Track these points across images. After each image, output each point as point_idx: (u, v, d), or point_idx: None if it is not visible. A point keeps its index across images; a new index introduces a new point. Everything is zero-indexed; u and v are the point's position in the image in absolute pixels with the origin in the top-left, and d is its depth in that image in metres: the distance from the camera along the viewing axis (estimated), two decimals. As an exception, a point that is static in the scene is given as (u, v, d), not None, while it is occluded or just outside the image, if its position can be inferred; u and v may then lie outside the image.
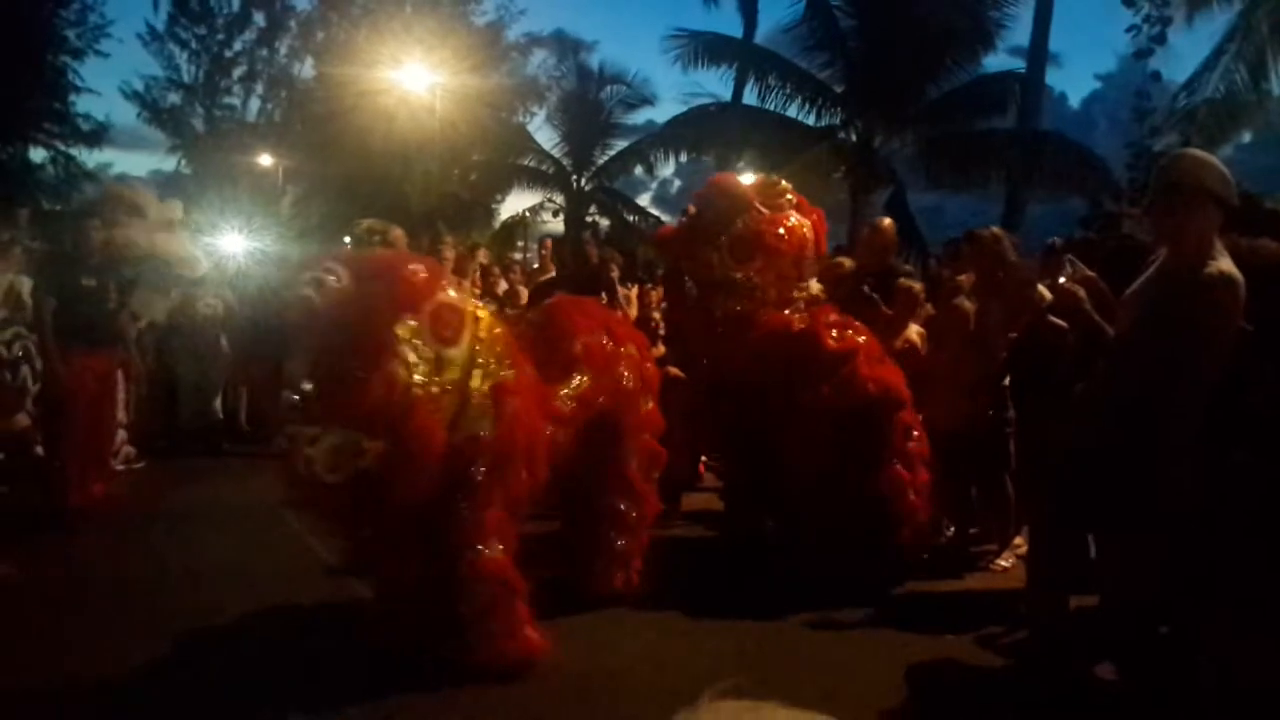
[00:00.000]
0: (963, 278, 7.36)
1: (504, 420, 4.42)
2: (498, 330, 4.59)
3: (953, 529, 7.12)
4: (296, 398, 4.04)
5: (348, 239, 13.67)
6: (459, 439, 4.27)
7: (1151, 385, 4.05)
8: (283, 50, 30.15)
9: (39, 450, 7.75)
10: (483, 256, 11.63)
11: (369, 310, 4.09)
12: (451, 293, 4.43)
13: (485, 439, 4.37)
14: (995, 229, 7.27)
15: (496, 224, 31.12)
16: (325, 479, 3.99)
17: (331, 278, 4.05)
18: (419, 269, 4.36)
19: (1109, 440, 4.22)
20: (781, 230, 6.47)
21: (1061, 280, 5.73)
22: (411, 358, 4.11)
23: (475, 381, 4.35)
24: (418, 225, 19.80)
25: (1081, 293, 4.55)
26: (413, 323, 4.16)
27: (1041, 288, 6.28)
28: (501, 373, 4.47)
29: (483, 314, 4.58)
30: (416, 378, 4.12)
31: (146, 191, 10.02)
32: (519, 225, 30.83)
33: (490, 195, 31.06)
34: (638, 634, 5.18)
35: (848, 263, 8.44)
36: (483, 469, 4.39)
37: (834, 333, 6.19)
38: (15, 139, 25.88)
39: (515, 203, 31.71)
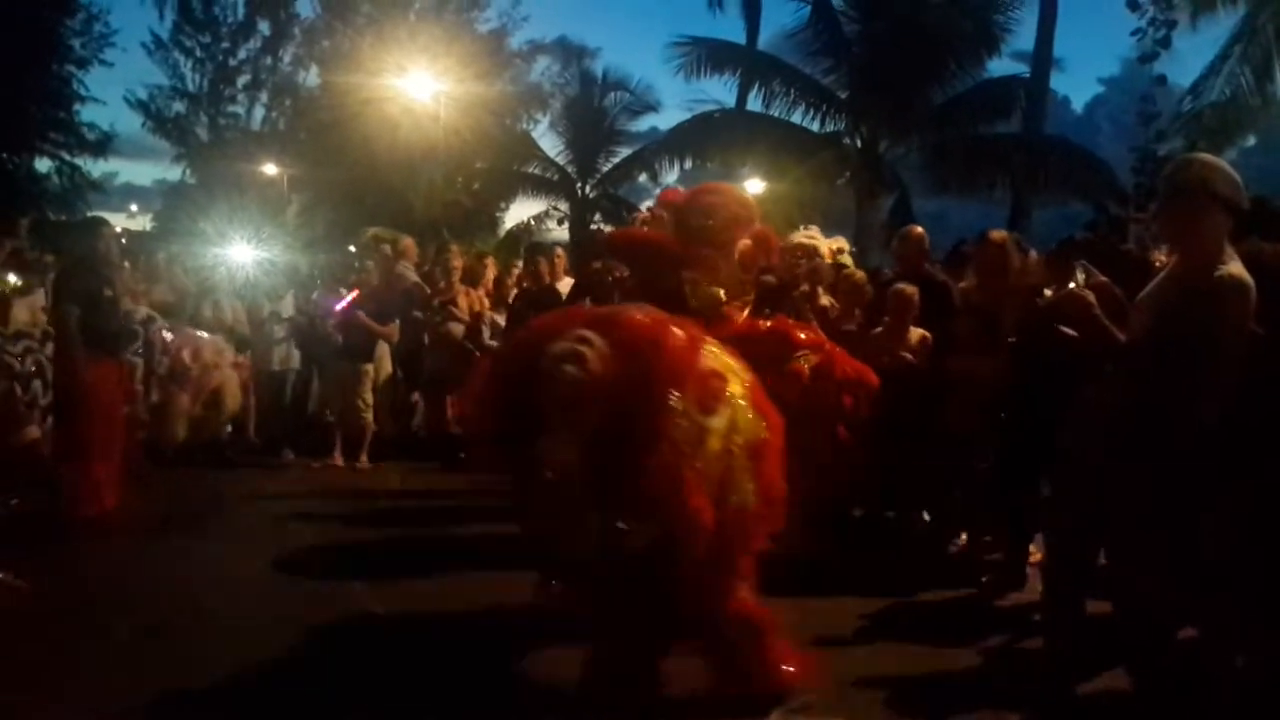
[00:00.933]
0: (964, 284, 7.35)
1: (763, 480, 4.12)
2: (747, 383, 4.25)
3: (964, 538, 7.04)
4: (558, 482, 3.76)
5: (353, 247, 13.67)
6: (726, 513, 3.96)
7: (1164, 391, 4.03)
8: (287, 58, 30.40)
9: (49, 462, 7.74)
10: (490, 265, 11.61)
11: (638, 386, 3.77)
12: (710, 352, 4.13)
13: (750, 508, 4.07)
14: (1002, 232, 7.21)
15: (501, 232, 31.12)
16: (595, 564, 3.83)
17: (590, 351, 3.73)
18: (681, 335, 4.00)
19: (1119, 445, 4.18)
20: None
21: (1072, 286, 5.67)
22: (680, 434, 3.79)
23: (735, 448, 4.02)
24: (423, 234, 19.83)
25: (1092, 298, 4.49)
26: (678, 394, 3.82)
27: (1047, 291, 6.26)
28: (758, 432, 4.15)
29: (732, 368, 4.24)
30: (688, 452, 3.82)
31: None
32: (524, 233, 30.83)
33: (494, 203, 31.11)
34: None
35: (859, 275, 8.38)
36: (745, 534, 4.14)
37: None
38: (20, 149, 25.94)
39: (520, 210, 31.77)
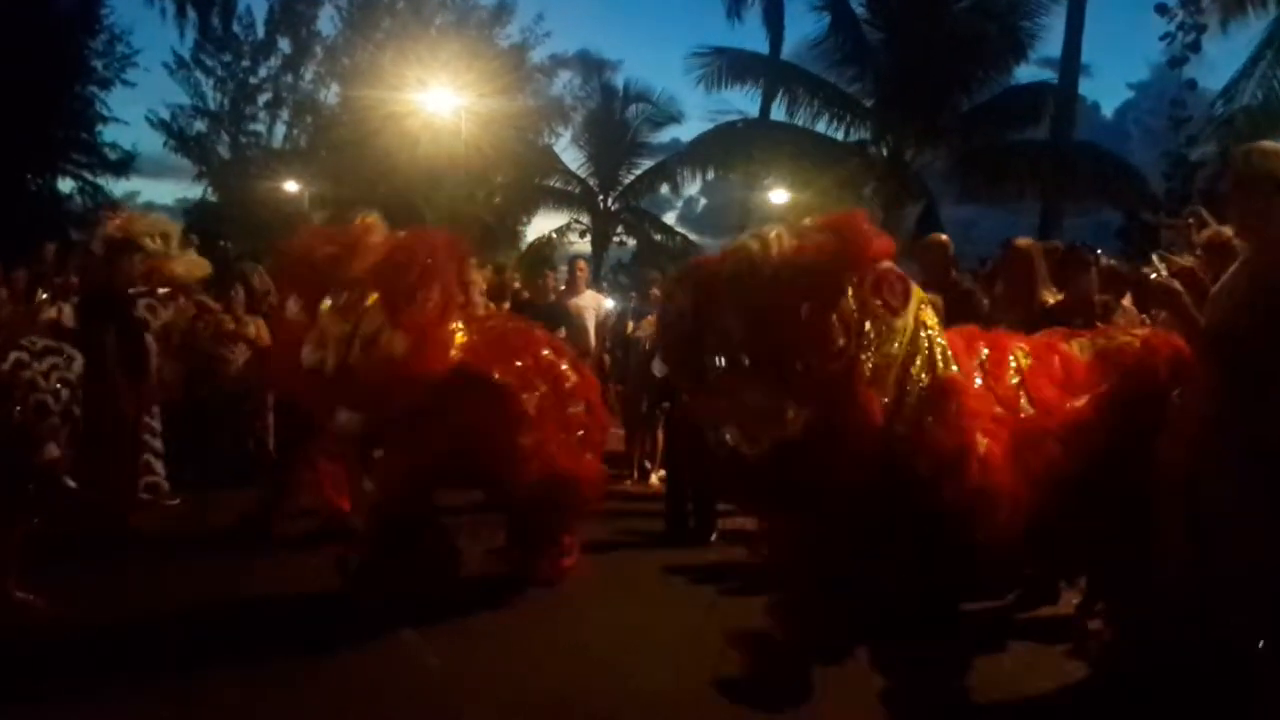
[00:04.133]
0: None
1: (949, 421, 3.92)
2: (938, 321, 4.22)
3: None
4: (722, 362, 3.75)
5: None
6: (900, 427, 3.84)
7: (1248, 383, 3.85)
8: (308, 76, 30.24)
9: (69, 482, 7.56)
10: (512, 280, 11.45)
11: (815, 265, 3.77)
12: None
13: (929, 435, 3.88)
14: (1028, 240, 7.11)
15: (523, 246, 30.98)
16: (742, 449, 3.68)
17: (774, 233, 3.80)
18: (870, 229, 4.07)
19: (1211, 445, 4.00)
20: None
21: (1154, 276, 5.48)
22: (854, 321, 3.76)
23: (915, 368, 3.93)
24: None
25: (1178, 285, 4.25)
26: (857, 283, 3.82)
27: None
28: (946, 367, 4.03)
29: (926, 299, 4.21)
30: (858, 342, 3.76)
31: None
32: (546, 246, 30.68)
33: (515, 217, 30.99)
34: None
35: None
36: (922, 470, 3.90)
37: None
38: (43, 170, 26.01)
39: (541, 224, 31.64)
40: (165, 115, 29.79)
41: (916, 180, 23.10)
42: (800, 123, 23.88)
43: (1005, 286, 6.85)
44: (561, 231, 30.78)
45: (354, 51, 28.41)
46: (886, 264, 3.98)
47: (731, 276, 3.76)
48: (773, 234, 3.76)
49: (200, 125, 30.21)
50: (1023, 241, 6.99)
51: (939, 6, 21.94)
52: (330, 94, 30.08)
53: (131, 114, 35.35)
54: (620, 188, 30.63)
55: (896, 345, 3.84)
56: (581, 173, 30.81)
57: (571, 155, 31.22)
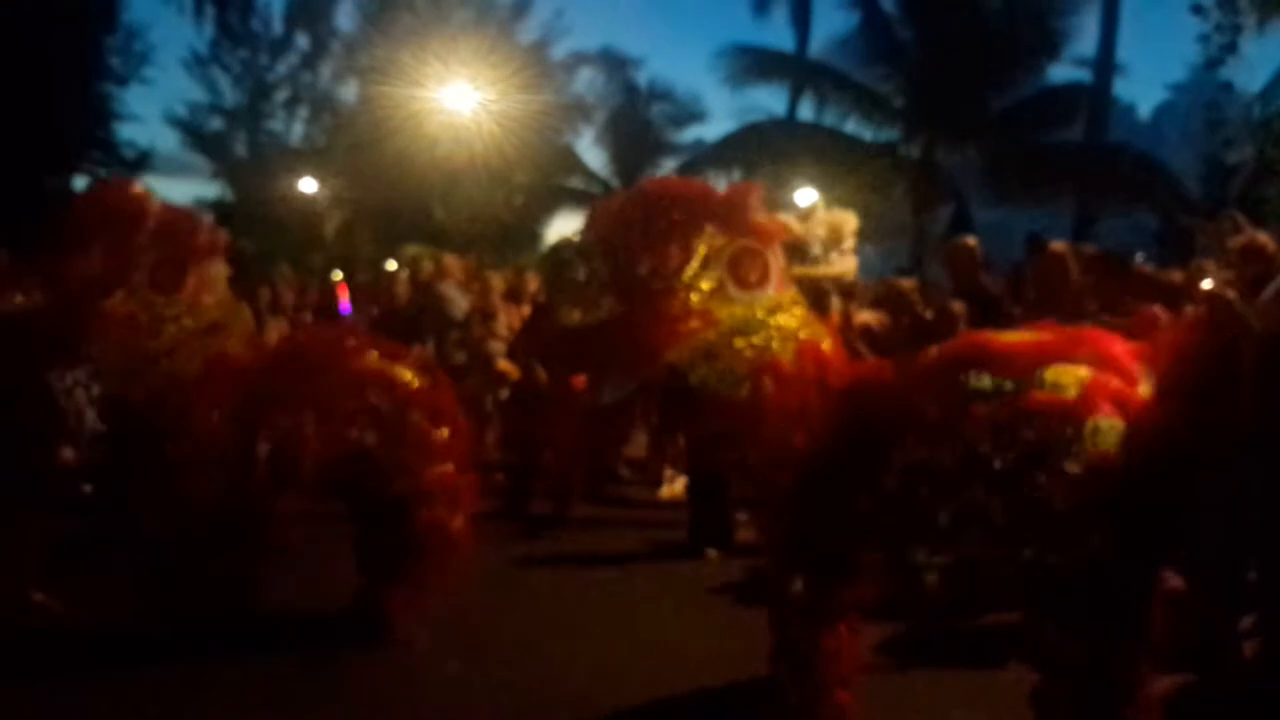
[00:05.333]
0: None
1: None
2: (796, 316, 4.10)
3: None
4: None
5: (394, 264, 13.15)
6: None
7: None
8: (326, 73, 30.05)
9: (87, 487, 7.24)
10: (532, 281, 11.06)
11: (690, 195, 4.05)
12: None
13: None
14: (1062, 244, 6.97)
15: (542, 247, 30.60)
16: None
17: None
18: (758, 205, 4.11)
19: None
20: None
21: (1206, 285, 5.18)
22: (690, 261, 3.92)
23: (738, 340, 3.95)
24: (459, 250, 19.35)
25: (1233, 294, 3.88)
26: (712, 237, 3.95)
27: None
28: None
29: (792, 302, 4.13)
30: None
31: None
32: (565, 248, 30.24)
33: (535, 218, 30.61)
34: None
35: (907, 284, 8.06)
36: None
37: None
38: (59, 168, 25.79)
39: (562, 225, 31.24)
40: (182, 113, 29.88)
41: (947, 181, 22.78)
42: (828, 122, 23.82)
43: (1038, 291, 6.62)
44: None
45: (373, 48, 28.10)
46: (759, 244, 4.02)
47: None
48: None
49: (217, 123, 30.20)
50: (1056, 245, 6.84)
51: (971, 4, 21.72)
52: (349, 92, 29.91)
53: (148, 112, 35.38)
54: (643, 188, 30.18)
55: (725, 312, 3.91)
56: (603, 173, 30.36)
57: (593, 155, 30.91)
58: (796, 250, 7.87)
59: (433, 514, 5.34)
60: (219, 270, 5.46)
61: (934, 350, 3.96)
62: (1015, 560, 3.45)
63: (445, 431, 5.50)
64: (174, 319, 5.15)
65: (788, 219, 8.16)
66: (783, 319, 3.97)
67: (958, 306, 6.83)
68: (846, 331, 7.80)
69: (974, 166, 23.04)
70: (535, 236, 30.88)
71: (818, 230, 8.03)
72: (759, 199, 4.11)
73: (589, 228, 4.30)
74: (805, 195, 17.50)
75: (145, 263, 5.10)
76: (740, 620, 5.53)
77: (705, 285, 3.91)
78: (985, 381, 3.55)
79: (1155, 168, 22.84)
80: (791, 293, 4.10)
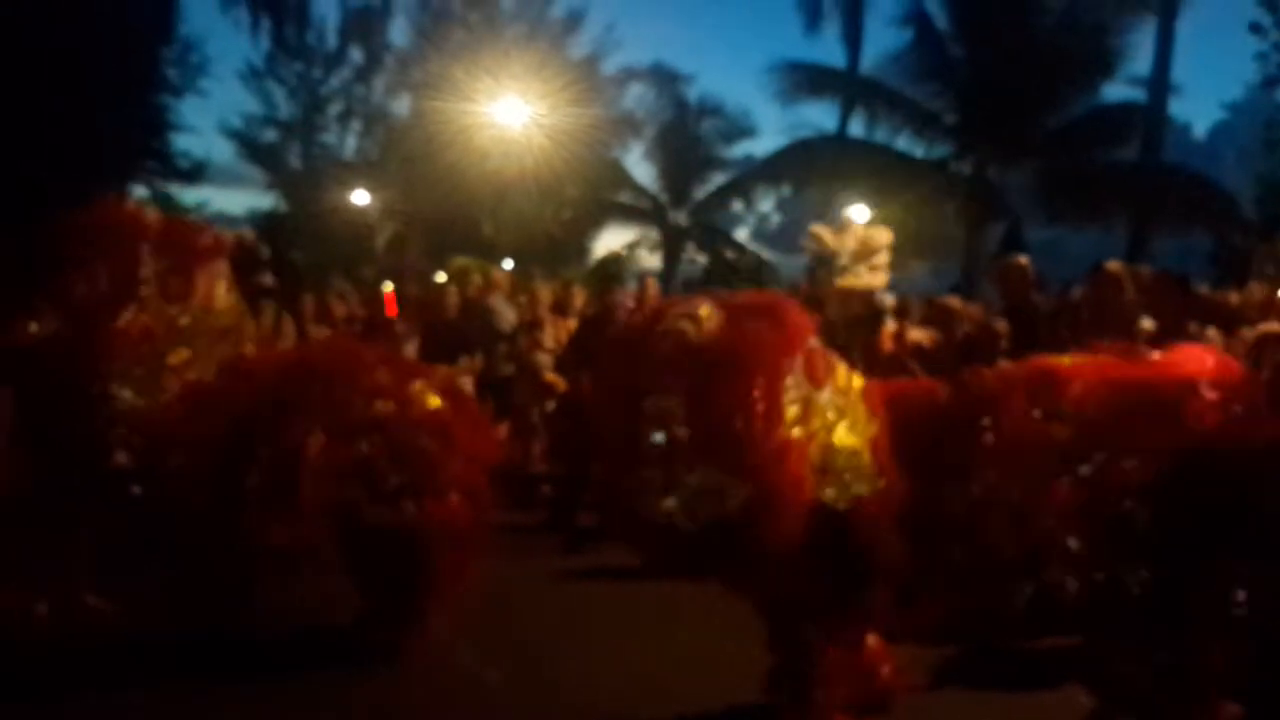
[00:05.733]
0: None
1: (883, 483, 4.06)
2: (857, 383, 4.25)
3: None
4: (660, 438, 3.82)
5: (443, 276, 13.20)
6: (831, 498, 3.98)
7: None
8: (380, 87, 30.31)
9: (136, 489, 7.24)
10: (579, 295, 11.10)
11: (753, 348, 3.87)
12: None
13: (864, 502, 4.01)
14: (1118, 264, 6.97)
15: (591, 261, 30.63)
16: (682, 526, 3.77)
17: (706, 313, 3.89)
18: (798, 311, 4.13)
19: None
20: None
21: None
22: (790, 400, 3.89)
23: (840, 435, 4.05)
24: (510, 264, 19.41)
25: None
26: (789, 359, 3.94)
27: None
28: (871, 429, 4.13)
29: (841, 364, 4.27)
30: (791, 421, 3.88)
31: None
32: (614, 263, 30.30)
33: (584, 232, 30.66)
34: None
35: (956, 303, 7.80)
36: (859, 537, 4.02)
37: None
38: (116, 178, 26.14)
39: (610, 239, 31.26)
40: (237, 125, 30.19)
41: (1000, 199, 22.58)
42: (879, 139, 23.72)
43: (1092, 311, 6.57)
44: (631, 247, 30.35)
45: (425, 63, 28.32)
46: (813, 343, 4.09)
47: (668, 358, 3.86)
48: (704, 313, 3.87)
49: (272, 135, 30.47)
50: (1113, 265, 6.82)
51: (1025, 22, 21.48)
52: (401, 105, 30.14)
53: (204, 123, 35.78)
54: (692, 203, 30.12)
55: (819, 419, 3.99)
56: (652, 188, 30.36)
57: (642, 170, 30.87)
58: (824, 261, 7.86)
59: (431, 546, 5.12)
60: (224, 270, 5.42)
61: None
62: (1091, 583, 3.61)
63: (456, 460, 5.27)
64: (188, 326, 5.16)
65: (820, 229, 8.14)
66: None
67: (1000, 325, 6.78)
68: (899, 349, 7.77)
69: (1027, 185, 22.84)
70: (583, 250, 30.93)
71: (848, 243, 7.98)
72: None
73: None
74: (857, 212, 17.42)
75: (152, 274, 5.09)
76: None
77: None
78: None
79: (1210, 188, 22.54)
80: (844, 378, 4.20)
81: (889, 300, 8.00)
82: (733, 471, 3.75)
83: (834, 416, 4.04)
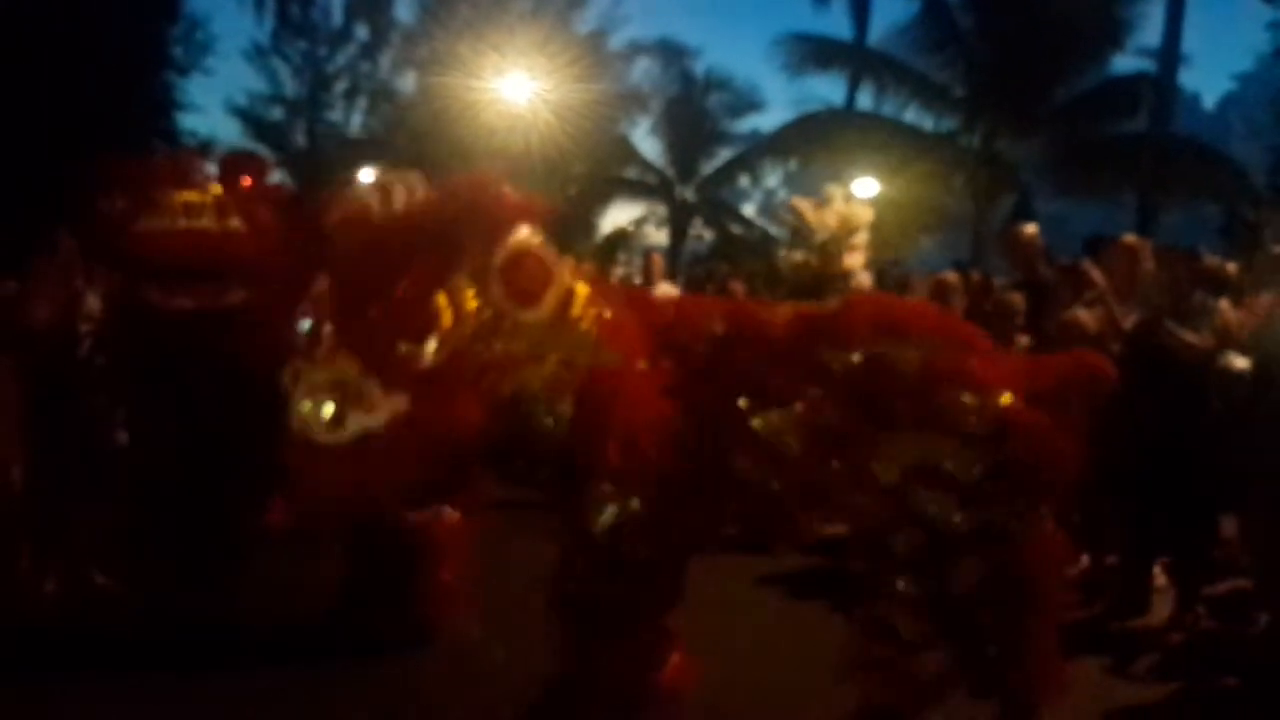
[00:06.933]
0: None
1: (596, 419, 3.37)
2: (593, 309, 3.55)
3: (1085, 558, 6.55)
4: (305, 325, 3.35)
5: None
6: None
7: None
8: (385, 64, 30.26)
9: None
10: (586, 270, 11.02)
11: (429, 229, 3.27)
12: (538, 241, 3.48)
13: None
14: (1132, 236, 7.00)
15: (598, 238, 30.59)
16: (319, 438, 3.11)
17: (402, 189, 3.32)
18: (512, 196, 3.52)
19: None
20: None
21: None
22: (467, 307, 3.27)
23: (547, 365, 3.41)
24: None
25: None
26: (480, 262, 3.31)
27: None
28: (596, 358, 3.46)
29: (578, 285, 3.58)
30: (463, 335, 3.26)
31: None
32: (620, 238, 30.26)
33: (590, 208, 30.60)
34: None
35: (953, 278, 8.06)
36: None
37: None
38: (123, 155, 26.10)
39: (617, 215, 31.20)
40: (243, 103, 30.20)
41: (1009, 172, 22.48)
42: (887, 112, 23.63)
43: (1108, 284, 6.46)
44: (638, 223, 30.30)
45: (431, 39, 28.24)
46: (526, 242, 3.40)
47: (341, 224, 3.31)
48: (397, 185, 3.31)
49: (278, 113, 30.48)
50: (1128, 237, 6.83)
51: (1034, -8, 21.28)
52: (407, 82, 30.08)
53: (210, 101, 35.64)
54: (698, 178, 30.03)
55: (523, 341, 3.34)
56: (659, 163, 30.27)
57: (649, 145, 30.74)
58: (801, 237, 7.81)
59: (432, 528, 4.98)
60: None
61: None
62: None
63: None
64: None
65: (801, 203, 8.10)
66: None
67: (1015, 298, 6.77)
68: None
69: (1036, 157, 22.78)
70: (590, 226, 30.86)
71: (828, 219, 7.94)
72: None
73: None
74: (864, 185, 17.34)
75: None
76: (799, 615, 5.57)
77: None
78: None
79: (1220, 159, 22.44)
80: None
81: (865, 280, 7.97)
82: (382, 376, 3.14)
83: (541, 346, 3.40)
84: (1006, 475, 3.31)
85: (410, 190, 3.33)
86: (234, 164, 5.47)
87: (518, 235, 3.43)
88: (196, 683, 4.57)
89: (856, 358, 3.40)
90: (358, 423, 3.10)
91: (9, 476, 5.63)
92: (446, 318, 3.22)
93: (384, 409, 3.12)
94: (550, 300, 3.40)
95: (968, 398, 3.31)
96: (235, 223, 4.98)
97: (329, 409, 3.11)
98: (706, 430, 3.40)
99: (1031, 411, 3.35)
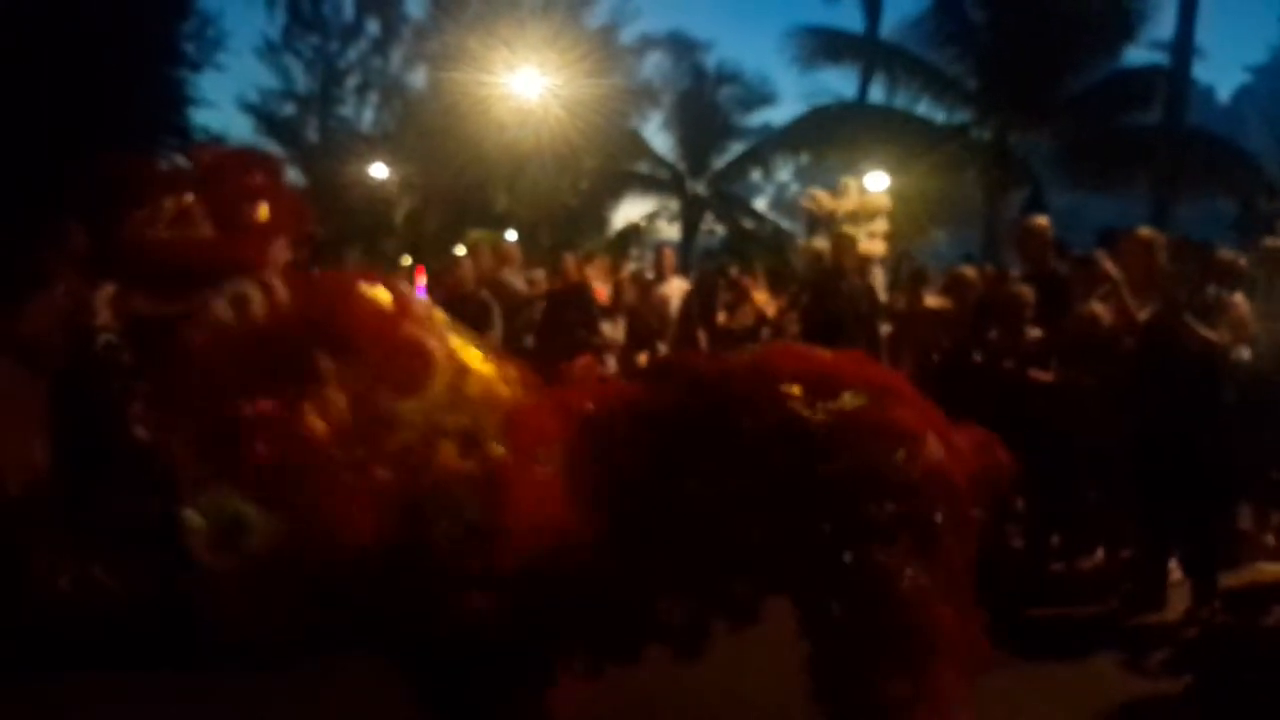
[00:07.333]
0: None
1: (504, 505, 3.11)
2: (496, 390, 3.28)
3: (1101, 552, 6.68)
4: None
5: (461, 248, 13.22)
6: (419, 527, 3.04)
7: None
8: (396, 59, 30.36)
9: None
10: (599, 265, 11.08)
11: (281, 336, 3.04)
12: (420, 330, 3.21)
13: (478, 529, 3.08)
14: (1150, 229, 6.89)
15: (609, 232, 30.63)
16: (206, 560, 2.93)
17: (258, 295, 3.07)
18: (379, 291, 3.20)
19: None
20: None
21: None
22: (335, 408, 2.97)
23: (441, 455, 3.10)
24: (527, 235, 19.39)
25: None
26: (351, 360, 3.04)
27: None
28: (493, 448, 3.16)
29: (477, 365, 3.29)
30: (335, 434, 2.97)
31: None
32: (632, 233, 30.29)
33: (602, 203, 30.66)
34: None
35: (970, 273, 8.07)
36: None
37: None
38: (135, 152, 26.21)
39: (628, 210, 31.23)
40: (255, 99, 30.33)
41: (1021, 165, 22.42)
42: (899, 105, 23.53)
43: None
44: (649, 218, 30.32)
45: (442, 35, 28.30)
46: (406, 336, 3.13)
47: (198, 344, 3.02)
48: (257, 296, 3.05)
49: (289, 109, 30.65)
50: (1144, 230, 6.75)
51: (1046, -15, 21.20)
52: (418, 78, 30.19)
53: (222, 97, 35.81)
54: (710, 173, 30.03)
55: (406, 433, 3.04)
56: (670, 157, 30.28)
57: (660, 139, 30.82)
58: (820, 223, 7.82)
59: None
60: None
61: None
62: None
63: None
64: None
65: (818, 192, 8.12)
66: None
67: (1025, 291, 6.76)
68: (917, 317, 7.74)
69: (1048, 150, 22.70)
70: (602, 221, 30.91)
71: (845, 204, 7.95)
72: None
73: None
74: (875, 179, 17.31)
75: None
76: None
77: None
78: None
79: (1234, 152, 22.34)
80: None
81: (879, 274, 7.97)
82: (257, 494, 2.92)
83: (432, 431, 3.09)
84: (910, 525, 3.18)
85: (269, 295, 3.08)
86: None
87: (396, 324, 3.17)
88: (205, 681, 4.56)
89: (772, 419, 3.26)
90: (242, 545, 2.92)
91: (25, 474, 5.65)
92: (317, 425, 2.96)
93: (263, 529, 2.91)
94: (437, 385, 3.14)
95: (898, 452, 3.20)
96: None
97: (212, 532, 2.93)
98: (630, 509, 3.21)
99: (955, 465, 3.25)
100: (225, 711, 4.47)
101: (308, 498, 2.92)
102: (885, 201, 8.16)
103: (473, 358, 3.27)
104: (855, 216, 7.98)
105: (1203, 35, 22.91)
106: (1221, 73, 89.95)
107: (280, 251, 3.39)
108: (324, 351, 3.00)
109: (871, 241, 8.06)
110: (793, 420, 3.23)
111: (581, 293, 8.94)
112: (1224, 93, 57.79)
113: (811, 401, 3.25)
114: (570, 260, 10.26)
